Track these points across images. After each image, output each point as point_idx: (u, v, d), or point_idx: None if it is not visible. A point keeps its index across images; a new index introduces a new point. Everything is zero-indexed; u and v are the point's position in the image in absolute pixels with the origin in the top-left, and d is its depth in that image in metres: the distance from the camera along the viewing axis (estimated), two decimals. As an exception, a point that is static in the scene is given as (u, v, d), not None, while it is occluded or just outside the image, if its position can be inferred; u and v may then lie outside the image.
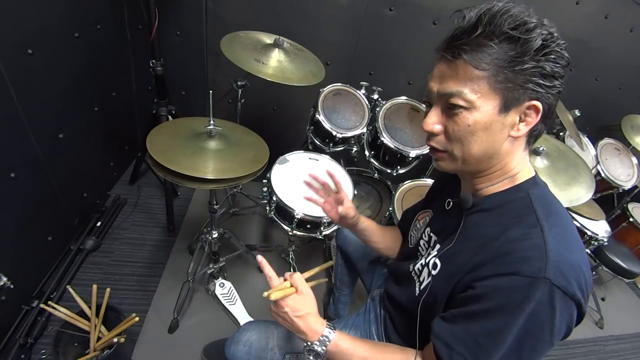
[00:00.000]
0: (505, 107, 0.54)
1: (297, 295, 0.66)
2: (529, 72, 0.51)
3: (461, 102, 0.54)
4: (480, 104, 0.54)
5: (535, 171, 0.64)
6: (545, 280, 0.48)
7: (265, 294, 0.63)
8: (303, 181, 0.96)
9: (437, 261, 0.67)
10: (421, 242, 0.79)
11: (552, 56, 0.51)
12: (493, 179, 0.62)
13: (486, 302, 0.52)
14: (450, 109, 0.56)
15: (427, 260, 0.70)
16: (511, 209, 0.59)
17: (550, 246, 0.50)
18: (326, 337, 0.64)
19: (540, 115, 0.55)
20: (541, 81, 0.52)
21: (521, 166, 0.61)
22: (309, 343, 0.65)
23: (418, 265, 0.74)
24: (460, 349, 0.54)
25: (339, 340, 0.65)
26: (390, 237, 0.98)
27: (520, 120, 0.55)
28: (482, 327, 0.53)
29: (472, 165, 0.60)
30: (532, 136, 0.60)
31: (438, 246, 0.70)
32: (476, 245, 0.59)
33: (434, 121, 0.59)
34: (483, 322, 0.53)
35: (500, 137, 0.56)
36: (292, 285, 0.67)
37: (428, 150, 0.64)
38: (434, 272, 0.67)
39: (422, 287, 0.70)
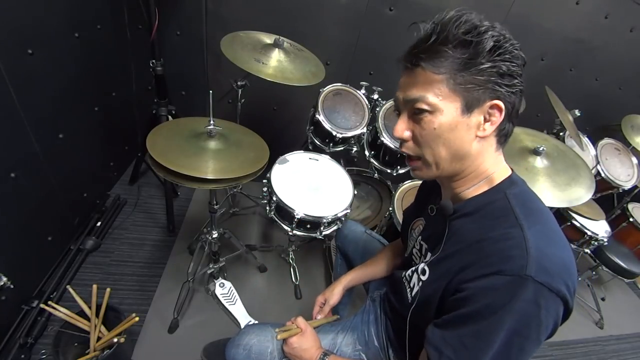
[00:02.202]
0: (468, 108, 0.55)
1: (302, 335, 0.81)
2: (486, 72, 0.53)
3: (424, 106, 0.56)
4: (442, 107, 0.55)
5: (512, 169, 0.64)
6: (528, 277, 0.48)
7: (276, 331, 0.83)
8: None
9: (426, 267, 0.67)
10: (414, 250, 0.80)
11: (507, 56, 0.53)
12: (469, 181, 0.63)
13: (472, 304, 0.52)
14: (416, 114, 0.58)
15: (417, 267, 0.71)
16: (491, 210, 0.59)
17: (531, 243, 0.50)
18: (322, 359, 0.77)
19: (504, 114, 0.56)
20: (500, 80, 0.54)
21: (496, 166, 0.62)
22: None
23: (409, 272, 0.75)
24: (448, 352, 0.54)
25: None
26: (382, 264, 1.01)
27: (485, 120, 0.57)
28: (470, 329, 0.53)
29: (445, 169, 0.61)
30: (502, 135, 0.61)
31: (429, 255, 0.70)
32: (461, 249, 0.59)
33: (402, 128, 0.61)
34: (470, 324, 0.53)
35: (467, 138, 0.57)
36: (297, 327, 0.83)
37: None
38: (423, 278, 0.67)
39: (412, 293, 0.70)
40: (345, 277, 1.01)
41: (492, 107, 0.56)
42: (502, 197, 0.59)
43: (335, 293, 0.98)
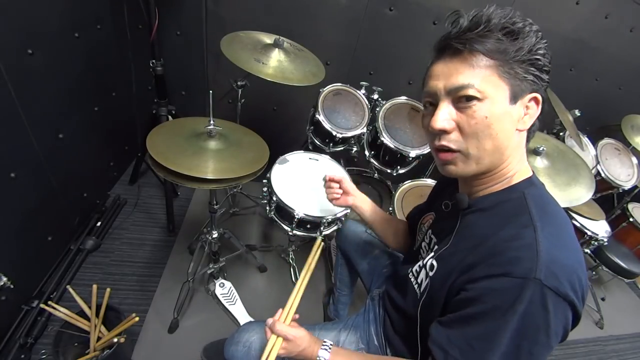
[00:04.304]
0: (514, 98, 0.55)
1: (287, 343, 0.71)
2: (528, 63, 0.54)
3: (474, 93, 0.54)
4: (493, 94, 0.54)
5: (533, 171, 0.63)
6: (536, 281, 0.47)
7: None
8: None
9: (434, 262, 0.67)
10: (422, 244, 0.80)
11: (542, 51, 0.54)
12: (494, 180, 0.61)
13: (479, 305, 0.52)
14: (462, 104, 0.55)
15: (424, 262, 0.71)
16: (506, 209, 0.59)
17: (542, 246, 0.50)
18: (321, 357, 0.70)
19: (540, 107, 0.57)
20: (537, 73, 0.55)
21: (519, 166, 0.61)
22: None
23: (416, 267, 0.74)
24: (454, 352, 0.54)
25: (333, 358, 0.70)
26: (394, 229, 1.01)
27: (525, 113, 0.57)
28: (476, 331, 0.52)
29: (485, 165, 0.58)
30: (532, 131, 0.61)
31: (436, 247, 0.70)
32: (470, 245, 0.59)
33: (445, 118, 0.56)
34: (477, 325, 0.52)
35: (511, 130, 0.57)
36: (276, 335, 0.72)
37: (433, 154, 0.63)
38: (431, 274, 0.67)
39: (421, 289, 0.70)
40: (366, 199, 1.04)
41: (530, 100, 0.56)
42: (520, 197, 0.58)
43: (358, 195, 1.03)
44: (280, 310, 0.77)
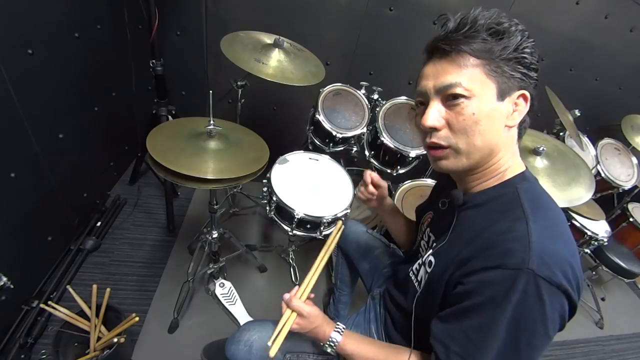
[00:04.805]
0: (501, 95, 0.57)
1: (301, 319, 0.73)
2: (515, 61, 0.56)
3: (462, 91, 0.56)
4: (480, 92, 0.56)
5: (526, 166, 0.65)
6: (529, 271, 0.49)
7: (270, 343, 0.70)
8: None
9: (432, 258, 0.68)
10: (422, 242, 0.81)
11: (528, 49, 0.56)
12: (487, 175, 0.63)
13: (475, 298, 0.53)
14: (450, 102, 0.58)
15: (423, 259, 0.72)
16: (500, 203, 0.60)
17: (534, 237, 0.51)
18: (333, 339, 0.73)
19: (528, 104, 0.59)
20: (525, 71, 0.57)
21: (512, 161, 0.63)
22: (322, 344, 0.75)
23: (416, 265, 0.75)
24: (455, 347, 0.55)
25: (344, 344, 0.72)
26: (403, 231, 1.02)
27: (513, 110, 0.58)
28: (473, 323, 0.53)
29: (475, 159, 0.60)
30: (522, 128, 0.63)
31: (434, 244, 0.71)
32: (466, 239, 0.60)
33: (435, 116, 0.59)
34: (473, 317, 0.53)
35: (499, 126, 0.58)
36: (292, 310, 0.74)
37: (426, 151, 0.65)
38: (429, 270, 0.68)
39: (421, 286, 0.71)
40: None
41: (518, 97, 0.58)
42: (513, 191, 0.60)
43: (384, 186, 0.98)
44: (297, 287, 0.78)
